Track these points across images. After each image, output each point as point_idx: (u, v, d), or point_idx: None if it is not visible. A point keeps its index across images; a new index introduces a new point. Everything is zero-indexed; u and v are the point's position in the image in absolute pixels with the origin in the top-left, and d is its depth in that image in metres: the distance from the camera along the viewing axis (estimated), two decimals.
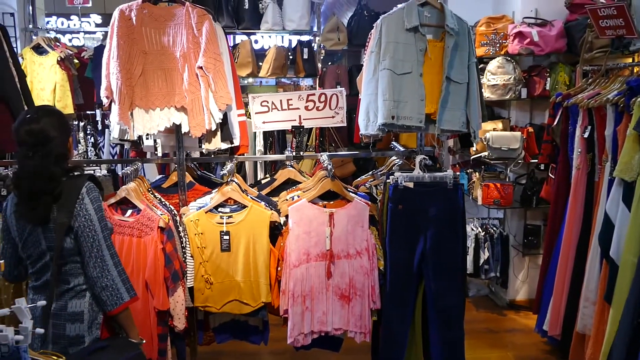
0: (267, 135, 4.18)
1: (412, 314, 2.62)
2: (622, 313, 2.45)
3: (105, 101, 2.44)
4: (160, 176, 3.07)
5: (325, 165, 2.59)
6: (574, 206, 3.14)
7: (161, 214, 2.37)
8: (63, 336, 1.80)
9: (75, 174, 1.87)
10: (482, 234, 3.97)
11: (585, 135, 3.01)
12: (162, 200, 2.57)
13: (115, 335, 1.92)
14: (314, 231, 2.50)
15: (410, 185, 2.51)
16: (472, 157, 3.98)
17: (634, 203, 2.48)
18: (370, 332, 2.58)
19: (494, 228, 4.06)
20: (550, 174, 3.51)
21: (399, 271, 2.54)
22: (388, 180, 2.55)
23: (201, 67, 2.43)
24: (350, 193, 2.59)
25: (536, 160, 3.74)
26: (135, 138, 2.58)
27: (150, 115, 2.46)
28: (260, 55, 5.02)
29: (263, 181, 3.03)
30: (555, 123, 3.29)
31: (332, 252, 2.51)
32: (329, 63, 5.67)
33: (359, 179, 3.10)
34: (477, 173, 4.02)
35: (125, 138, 2.66)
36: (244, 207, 2.51)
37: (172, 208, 2.55)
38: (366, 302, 2.54)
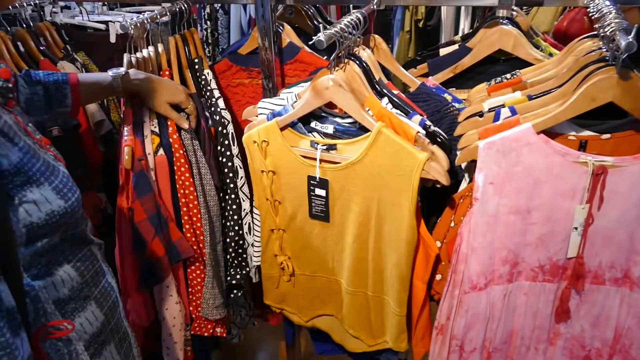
0: None
1: None
2: None
3: None
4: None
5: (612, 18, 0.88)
6: None
7: (126, 136, 1.02)
8: None
9: None
10: None
11: None
12: (211, 89, 1.22)
13: None
14: (542, 208, 0.94)
15: None
16: None
17: None
18: None
19: None
20: None
21: None
22: None
23: None
24: None
25: None
26: None
27: None
28: None
29: (443, 51, 1.42)
30: None
31: (583, 266, 0.95)
32: None
33: None
34: None
35: None
36: (366, 130, 1.03)
37: (221, 109, 1.20)
38: None
